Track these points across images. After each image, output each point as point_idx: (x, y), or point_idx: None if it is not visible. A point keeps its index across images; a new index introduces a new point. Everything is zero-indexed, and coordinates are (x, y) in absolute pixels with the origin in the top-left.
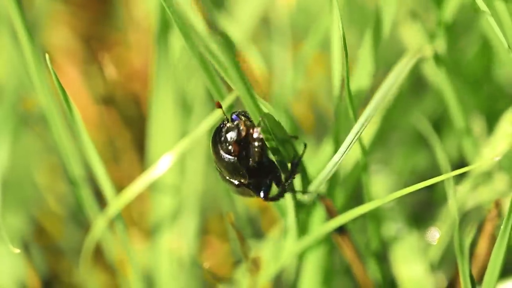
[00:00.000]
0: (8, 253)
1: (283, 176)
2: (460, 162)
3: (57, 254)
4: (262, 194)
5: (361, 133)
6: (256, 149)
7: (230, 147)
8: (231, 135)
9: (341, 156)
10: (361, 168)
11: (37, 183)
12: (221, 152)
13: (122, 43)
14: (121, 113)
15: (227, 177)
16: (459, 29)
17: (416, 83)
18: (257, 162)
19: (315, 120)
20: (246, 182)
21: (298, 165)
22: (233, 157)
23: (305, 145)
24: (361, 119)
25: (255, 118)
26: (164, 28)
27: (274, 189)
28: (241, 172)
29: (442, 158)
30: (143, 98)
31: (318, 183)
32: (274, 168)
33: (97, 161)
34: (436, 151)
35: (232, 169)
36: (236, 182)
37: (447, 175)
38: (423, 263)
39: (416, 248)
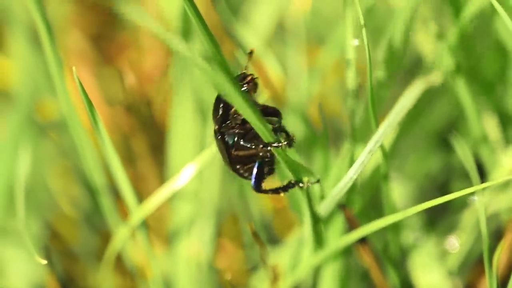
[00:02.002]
0: (26, 258)
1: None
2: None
3: (72, 258)
4: (252, 181)
5: (377, 146)
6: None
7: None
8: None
9: (358, 170)
10: (382, 178)
11: (51, 188)
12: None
13: (133, 44)
14: (134, 115)
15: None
16: (474, 33)
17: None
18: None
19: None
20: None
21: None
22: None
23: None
24: (375, 137)
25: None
26: (184, 34)
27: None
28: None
29: (471, 169)
30: (156, 100)
31: (336, 195)
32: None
33: (119, 167)
34: (464, 161)
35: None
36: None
37: (477, 188)
38: (441, 269)
39: (434, 254)
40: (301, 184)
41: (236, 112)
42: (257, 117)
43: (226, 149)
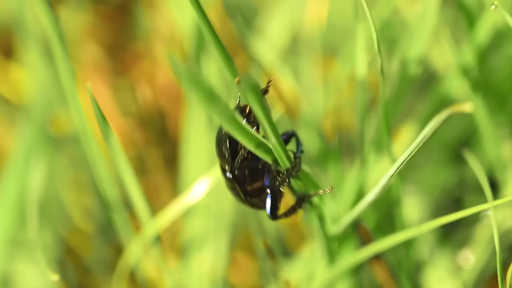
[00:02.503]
0: (40, 271)
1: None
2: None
3: (86, 271)
4: (268, 210)
5: (395, 173)
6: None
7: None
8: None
9: (375, 196)
10: (394, 199)
11: (65, 201)
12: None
13: (148, 56)
14: (147, 127)
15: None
16: (489, 48)
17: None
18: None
19: (340, 137)
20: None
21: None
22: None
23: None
24: (395, 166)
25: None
26: (197, 49)
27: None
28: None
29: (485, 186)
30: (169, 113)
31: (351, 216)
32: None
33: (132, 181)
34: (478, 176)
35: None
36: (228, 173)
37: (489, 204)
38: (455, 284)
39: (449, 269)
40: (311, 195)
41: (243, 147)
42: (280, 144)
43: (239, 187)
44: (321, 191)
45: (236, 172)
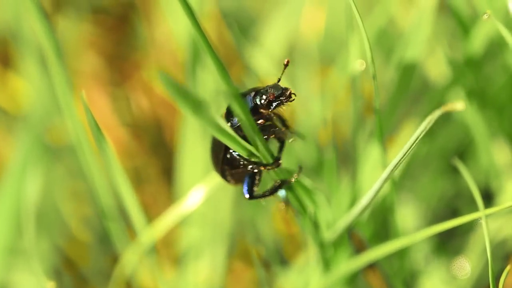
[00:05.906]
0: (37, 282)
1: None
2: (484, 191)
3: (83, 281)
4: (245, 189)
5: (388, 177)
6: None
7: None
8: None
9: (368, 201)
10: (389, 207)
11: (62, 211)
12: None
13: (147, 66)
14: (145, 138)
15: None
16: (484, 58)
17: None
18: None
19: (337, 146)
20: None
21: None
22: None
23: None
24: (388, 168)
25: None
26: (194, 60)
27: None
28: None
29: (476, 196)
30: (167, 123)
31: (345, 223)
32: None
33: (128, 191)
34: (471, 189)
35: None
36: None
37: (481, 213)
38: None
39: (445, 278)
40: (289, 180)
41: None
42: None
43: (221, 148)
44: (296, 175)
45: None
